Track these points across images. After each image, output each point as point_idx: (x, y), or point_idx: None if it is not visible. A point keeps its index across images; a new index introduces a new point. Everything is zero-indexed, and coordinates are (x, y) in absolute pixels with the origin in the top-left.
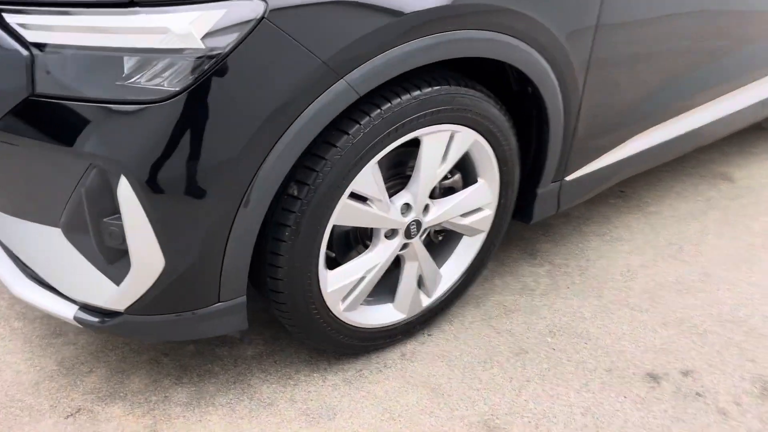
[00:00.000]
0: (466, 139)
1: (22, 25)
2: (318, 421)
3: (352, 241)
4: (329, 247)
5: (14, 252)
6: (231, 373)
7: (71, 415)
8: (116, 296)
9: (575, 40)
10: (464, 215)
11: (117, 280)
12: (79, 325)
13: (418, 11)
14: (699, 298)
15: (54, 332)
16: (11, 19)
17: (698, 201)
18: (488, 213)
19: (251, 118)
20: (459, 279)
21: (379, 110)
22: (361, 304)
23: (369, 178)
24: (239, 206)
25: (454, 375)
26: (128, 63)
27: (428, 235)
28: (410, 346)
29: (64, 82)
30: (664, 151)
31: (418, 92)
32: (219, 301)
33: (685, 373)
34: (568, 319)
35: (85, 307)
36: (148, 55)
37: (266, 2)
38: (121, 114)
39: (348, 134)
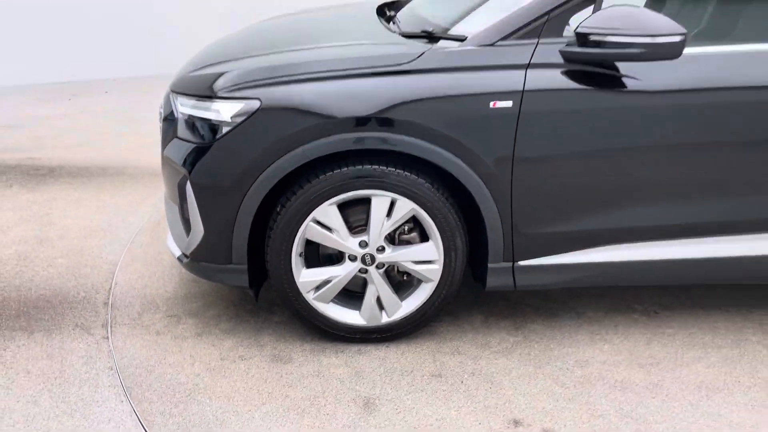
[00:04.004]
0: (405, 206)
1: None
2: (276, 364)
3: (335, 258)
4: (315, 258)
5: (170, 226)
6: (251, 323)
7: (175, 318)
8: (186, 245)
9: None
10: (417, 263)
11: (187, 234)
12: (180, 262)
13: (340, 117)
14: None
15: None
16: None
17: (728, 343)
18: (437, 267)
19: (250, 158)
20: (412, 313)
21: (331, 172)
22: (335, 303)
23: (328, 213)
24: (239, 208)
25: (373, 365)
26: (203, 125)
27: (395, 271)
28: (370, 348)
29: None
30: (651, 270)
31: (358, 167)
32: (232, 263)
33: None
34: (495, 372)
35: (183, 255)
36: (210, 122)
37: (260, 101)
38: (188, 146)
39: (309, 182)
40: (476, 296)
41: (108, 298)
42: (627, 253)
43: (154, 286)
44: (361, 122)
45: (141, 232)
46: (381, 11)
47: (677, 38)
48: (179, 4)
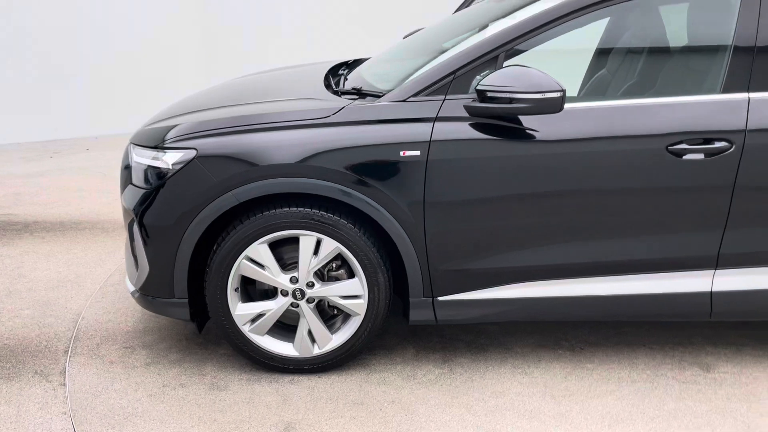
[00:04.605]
0: (330, 245)
1: None
2: (212, 391)
3: (270, 293)
4: (251, 293)
5: (126, 265)
6: (198, 354)
7: (127, 347)
8: (136, 280)
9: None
10: (345, 298)
11: (137, 269)
12: (133, 297)
13: (267, 164)
14: None
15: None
16: None
17: (643, 378)
18: (362, 302)
19: (187, 201)
20: (342, 344)
21: (261, 213)
22: (270, 335)
23: (259, 252)
24: (178, 246)
25: (302, 393)
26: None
27: (326, 306)
28: (302, 378)
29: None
30: (564, 306)
31: (285, 209)
32: (174, 297)
33: None
34: (414, 400)
35: (136, 290)
36: (157, 170)
37: (197, 150)
38: (138, 191)
39: (242, 222)
40: (413, 331)
41: (69, 346)
42: (541, 290)
43: (117, 321)
44: (286, 169)
45: (116, 272)
46: (336, 70)
47: (557, 94)
48: (162, 64)
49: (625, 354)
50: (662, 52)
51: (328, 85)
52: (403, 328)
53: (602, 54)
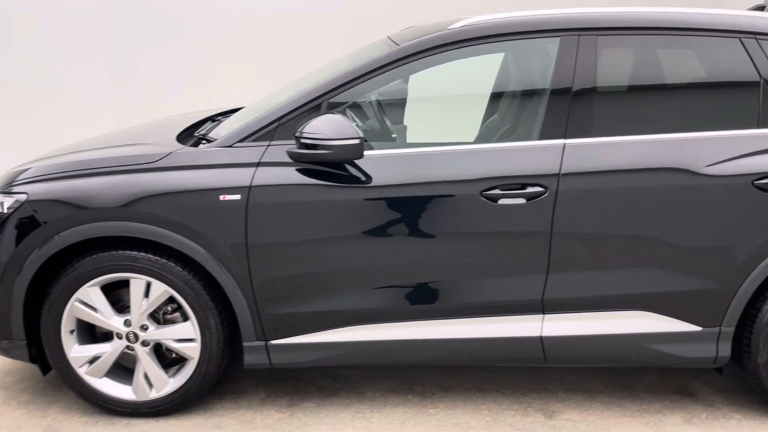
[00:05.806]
0: (159, 288)
1: None
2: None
3: (110, 336)
4: (92, 335)
5: None
6: (49, 396)
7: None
8: None
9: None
10: (179, 341)
11: None
12: None
13: (91, 208)
14: None
15: None
16: None
17: (482, 424)
18: (196, 345)
19: (18, 244)
20: (179, 389)
21: (88, 256)
22: (110, 378)
23: (90, 294)
24: (12, 288)
25: None
26: None
27: (164, 349)
28: (139, 422)
29: None
30: (395, 350)
31: (112, 252)
32: (13, 338)
33: None
34: None
35: None
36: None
37: (27, 195)
38: None
39: (72, 266)
40: (270, 375)
41: None
42: (371, 334)
43: None
44: (109, 213)
45: None
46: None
47: (356, 141)
48: (72, 112)
49: (473, 399)
50: (526, 97)
51: (191, 132)
52: (262, 371)
53: (494, 99)
